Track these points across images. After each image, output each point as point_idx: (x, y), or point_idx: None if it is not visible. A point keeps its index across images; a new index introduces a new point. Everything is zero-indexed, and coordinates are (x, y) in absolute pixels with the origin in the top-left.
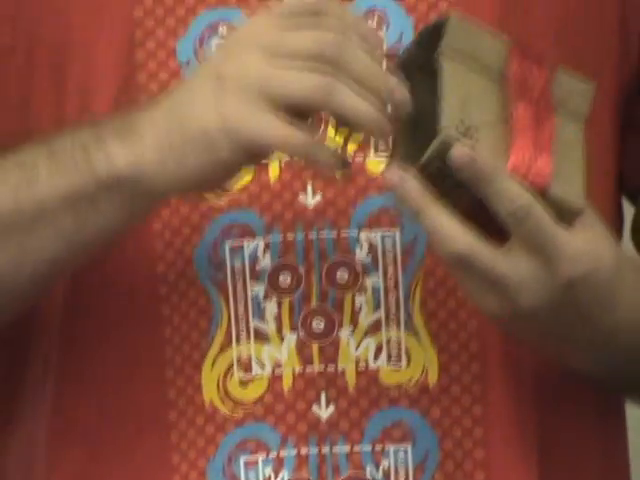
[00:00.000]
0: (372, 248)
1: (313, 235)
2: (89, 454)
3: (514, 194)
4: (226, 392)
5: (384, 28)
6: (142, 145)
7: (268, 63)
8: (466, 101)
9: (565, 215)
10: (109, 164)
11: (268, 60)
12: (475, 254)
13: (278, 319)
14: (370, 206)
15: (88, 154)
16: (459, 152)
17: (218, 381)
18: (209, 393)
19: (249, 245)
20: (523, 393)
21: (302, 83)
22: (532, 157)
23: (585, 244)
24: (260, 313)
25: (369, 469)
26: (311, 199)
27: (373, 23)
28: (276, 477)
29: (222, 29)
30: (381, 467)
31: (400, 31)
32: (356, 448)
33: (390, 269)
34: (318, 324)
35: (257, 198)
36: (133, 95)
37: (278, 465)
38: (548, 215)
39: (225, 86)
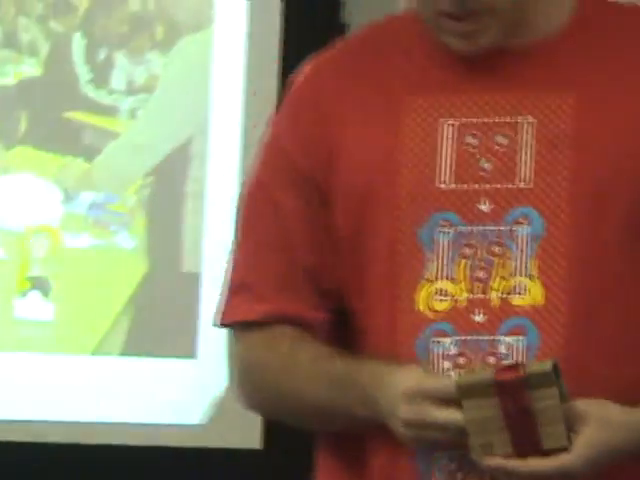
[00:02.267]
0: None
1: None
2: None
3: (529, 474)
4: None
5: (525, 225)
6: (381, 414)
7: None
8: (484, 423)
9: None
10: (362, 414)
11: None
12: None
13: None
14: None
15: (352, 405)
16: (486, 466)
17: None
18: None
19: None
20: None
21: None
22: (526, 444)
23: (582, 453)
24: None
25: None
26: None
27: (524, 221)
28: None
29: (442, 222)
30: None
31: (539, 228)
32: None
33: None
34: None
35: None
36: (395, 253)
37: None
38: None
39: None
